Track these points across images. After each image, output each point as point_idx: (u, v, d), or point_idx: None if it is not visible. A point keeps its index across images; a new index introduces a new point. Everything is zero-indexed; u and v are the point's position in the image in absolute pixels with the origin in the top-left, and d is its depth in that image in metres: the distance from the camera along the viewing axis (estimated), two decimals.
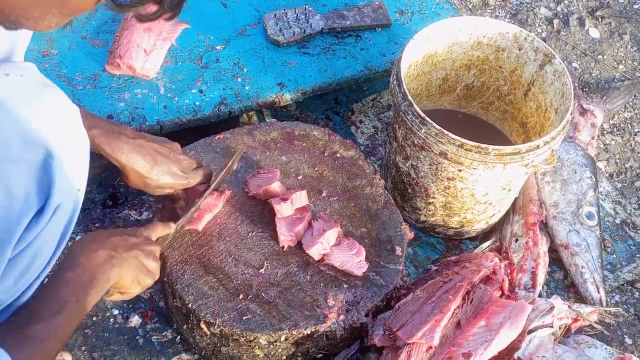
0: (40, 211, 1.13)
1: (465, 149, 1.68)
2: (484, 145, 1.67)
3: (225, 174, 1.68)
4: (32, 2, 1.00)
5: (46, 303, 1.21)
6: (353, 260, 1.65)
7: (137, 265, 1.38)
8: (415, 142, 1.77)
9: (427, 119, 1.70)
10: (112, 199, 2.00)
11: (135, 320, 1.77)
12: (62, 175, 1.13)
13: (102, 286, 1.30)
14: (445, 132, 1.68)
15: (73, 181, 1.17)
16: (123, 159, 1.49)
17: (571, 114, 1.78)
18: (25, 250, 1.15)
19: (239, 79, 2.02)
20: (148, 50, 1.99)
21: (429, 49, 1.95)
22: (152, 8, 1.07)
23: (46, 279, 1.30)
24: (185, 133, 2.01)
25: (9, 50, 1.26)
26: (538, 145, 1.70)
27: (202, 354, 1.71)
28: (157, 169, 1.53)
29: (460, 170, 1.75)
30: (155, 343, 1.75)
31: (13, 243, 1.11)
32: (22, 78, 1.13)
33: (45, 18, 1.04)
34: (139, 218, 1.97)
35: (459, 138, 1.67)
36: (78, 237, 1.61)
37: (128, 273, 1.36)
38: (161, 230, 1.53)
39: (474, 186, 1.80)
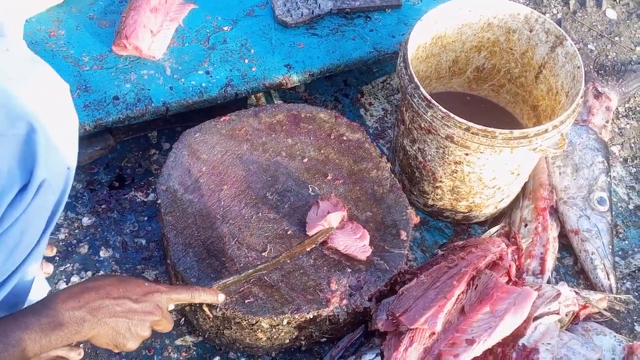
0: (24, 187, 1.11)
1: (471, 133, 1.65)
2: (490, 129, 1.64)
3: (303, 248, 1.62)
4: None
5: None
6: (357, 244, 1.64)
7: (116, 330, 1.26)
8: (422, 125, 1.74)
9: (433, 101, 1.67)
10: (118, 180, 2.00)
11: None
12: (47, 150, 1.10)
13: (59, 344, 1.19)
14: (451, 115, 1.65)
15: (62, 158, 1.15)
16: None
17: (581, 97, 1.74)
18: (12, 227, 1.13)
19: (246, 60, 2.00)
20: (155, 30, 1.98)
21: (438, 31, 1.92)
22: None
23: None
24: (191, 114, 2.00)
25: None
26: (546, 129, 1.67)
27: (206, 336, 1.71)
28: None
29: (467, 154, 1.73)
30: None
31: None
32: (7, 52, 1.11)
33: None
34: (145, 200, 1.96)
35: (464, 121, 1.64)
36: (59, 287, 1.53)
37: (102, 337, 1.25)
38: (186, 296, 1.40)
39: (482, 170, 1.77)
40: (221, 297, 1.48)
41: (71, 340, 1.20)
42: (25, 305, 1.28)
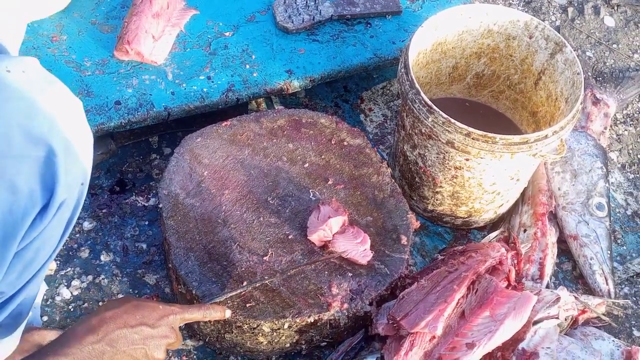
0: (44, 207, 1.11)
1: (472, 138, 1.67)
2: (491, 135, 1.65)
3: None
4: None
5: None
6: (358, 248, 1.64)
7: (134, 357, 1.29)
8: (423, 131, 1.75)
9: (434, 107, 1.68)
10: (119, 184, 2.01)
11: None
12: (66, 171, 1.11)
13: None
14: (452, 120, 1.66)
15: (78, 176, 1.15)
16: None
17: (581, 103, 1.76)
18: (30, 245, 1.13)
19: (247, 66, 2.02)
20: (156, 36, 1.99)
21: (438, 37, 1.93)
22: None
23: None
24: (192, 119, 2.01)
25: None
26: (547, 135, 1.68)
27: (207, 340, 1.72)
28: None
29: (467, 160, 1.74)
30: None
31: (18, 239, 1.09)
32: (24, 74, 1.10)
33: None
34: (146, 204, 1.97)
35: (465, 127, 1.66)
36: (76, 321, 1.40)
37: None
38: (198, 315, 1.45)
39: (482, 176, 1.79)
40: (228, 313, 1.51)
41: None
42: (28, 315, 1.29)
